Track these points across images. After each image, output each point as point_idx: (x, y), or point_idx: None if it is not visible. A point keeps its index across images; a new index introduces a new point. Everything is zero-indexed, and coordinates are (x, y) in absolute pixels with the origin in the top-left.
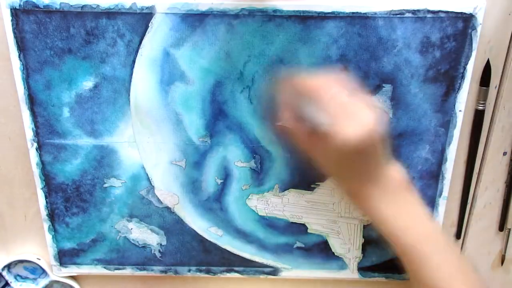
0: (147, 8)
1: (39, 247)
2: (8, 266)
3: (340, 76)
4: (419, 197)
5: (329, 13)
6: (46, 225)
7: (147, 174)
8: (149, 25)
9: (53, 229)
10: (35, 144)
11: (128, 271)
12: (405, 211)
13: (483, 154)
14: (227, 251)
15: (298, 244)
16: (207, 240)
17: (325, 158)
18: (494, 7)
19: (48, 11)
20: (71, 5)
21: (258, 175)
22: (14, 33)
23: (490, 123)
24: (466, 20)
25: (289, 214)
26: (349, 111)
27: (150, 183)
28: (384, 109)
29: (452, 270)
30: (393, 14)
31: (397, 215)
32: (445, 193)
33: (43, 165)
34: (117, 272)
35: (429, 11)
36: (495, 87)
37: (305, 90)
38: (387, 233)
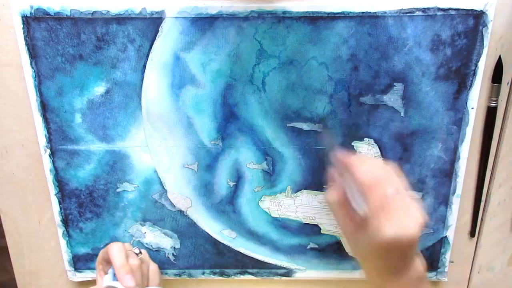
0: (157, 12)
1: (53, 253)
2: None
3: (395, 171)
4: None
5: (338, 13)
6: (60, 230)
7: (159, 178)
8: (159, 29)
9: (67, 235)
10: (48, 151)
11: None
12: None
13: (496, 151)
14: (241, 253)
15: (312, 245)
16: (220, 242)
17: (358, 245)
18: (505, 3)
19: (59, 18)
20: (82, 12)
21: (270, 177)
22: (26, 40)
23: (503, 120)
24: (477, 17)
25: (302, 215)
26: (394, 209)
27: (163, 187)
28: (423, 213)
29: None
30: (403, 13)
31: None
32: (458, 191)
33: (56, 171)
34: None
35: (439, 9)
36: (507, 83)
37: (358, 176)
38: None
